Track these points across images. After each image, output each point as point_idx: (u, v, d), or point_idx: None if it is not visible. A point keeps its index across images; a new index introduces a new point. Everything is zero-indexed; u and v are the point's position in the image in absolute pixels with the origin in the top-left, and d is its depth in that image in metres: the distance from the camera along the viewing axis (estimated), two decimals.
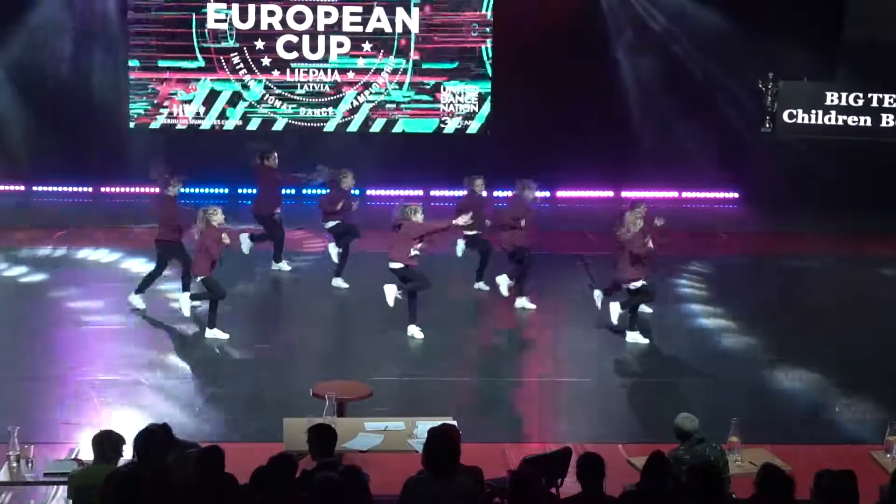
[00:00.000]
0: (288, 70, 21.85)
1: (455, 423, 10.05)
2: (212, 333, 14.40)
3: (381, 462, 9.89)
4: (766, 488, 7.90)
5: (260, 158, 17.20)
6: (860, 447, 10.94)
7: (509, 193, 16.47)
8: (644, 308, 15.23)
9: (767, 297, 16.99)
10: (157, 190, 16.69)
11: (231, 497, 7.90)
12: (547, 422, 12.62)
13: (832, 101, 22.05)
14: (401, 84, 22.03)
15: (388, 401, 12.26)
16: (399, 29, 21.85)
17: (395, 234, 14.51)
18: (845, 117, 22.06)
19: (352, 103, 22.03)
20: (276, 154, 17.27)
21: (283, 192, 17.71)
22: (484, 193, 16.39)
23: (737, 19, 21.73)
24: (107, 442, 8.55)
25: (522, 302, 15.92)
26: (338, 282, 16.60)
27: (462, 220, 14.78)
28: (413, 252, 14.36)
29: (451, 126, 22.25)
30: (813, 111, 22.12)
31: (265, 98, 21.91)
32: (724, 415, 10.52)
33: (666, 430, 9.68)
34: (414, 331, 14.62)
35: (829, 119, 22.10)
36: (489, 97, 22.21)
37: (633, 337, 14.68)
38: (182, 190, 15.94)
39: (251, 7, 21.55)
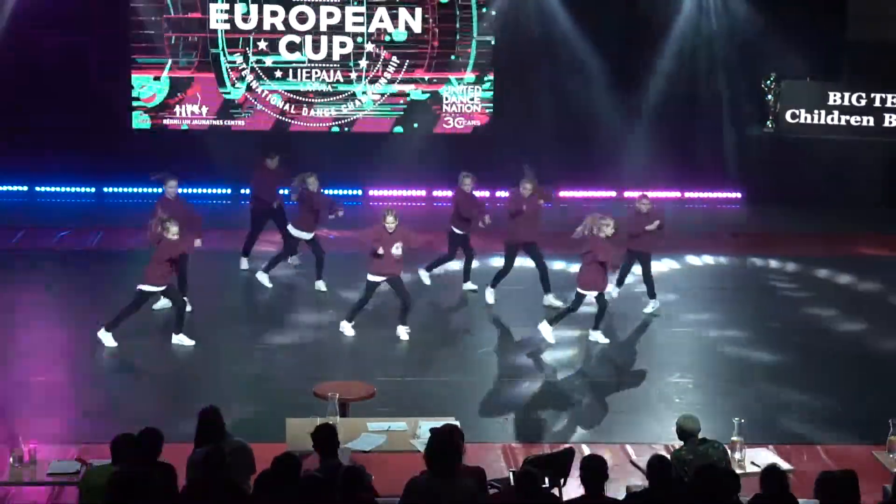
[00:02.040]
0: (290, 70, 21.85)
1: (457, 423, 10.08)
2: (177, 339, 14.45)
3: (384, 462, 9.90)
4: (769, 489, 7.91)
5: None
6: (862, 447, 10.94)
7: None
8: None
9: (770, 297, 16.99)
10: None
11: (234, 497, 7.90)
12: (550, 422, 12.61)
13: (835, 100, 22.03)
14: (402, 84, 22.02)
15: (391, 401, 12.26)
16: (401, 28, 21.85)
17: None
18: (848, 117, 22.04)
19: (354, 103, 22.04)
20: (276, 157, 17.29)
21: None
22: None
23: (739, 18, 21.73)
24: (122, 443, 8.55)
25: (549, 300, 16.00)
26: (319, 284, 16.62)
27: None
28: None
29: (454, 125, 22.25)
30: (816, 111, 22.09)
31: (267, 98, 21.91)
32: (726, 414, 10.52)
33: (668, 430, 9.69)
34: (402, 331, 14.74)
35: (832, 119, 22.08)
36: (492, 96, 22.20)
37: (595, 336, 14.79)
38: (181, 191, 16.02)
39: (254, 8, 21.56)
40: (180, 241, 14.08)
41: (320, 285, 16.54)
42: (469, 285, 16.61)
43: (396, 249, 14.23)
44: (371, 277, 14.50)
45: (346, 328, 14.71)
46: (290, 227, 16.42)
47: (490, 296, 16.07)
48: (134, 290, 14.13)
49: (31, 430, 11.09)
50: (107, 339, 14.14)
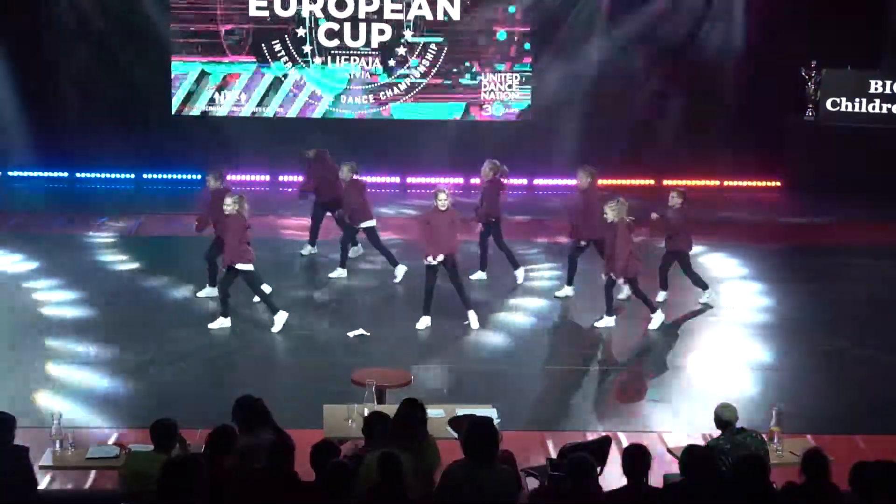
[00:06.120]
0: (329, 57, 21.89)
1: (494, 410, 10.08)
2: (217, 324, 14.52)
3: None
4: (812, 473, 7.85)
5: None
6: None
7: (548, 181, 16.35)
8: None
9: (809, 287, 16.87)
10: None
11: (292, 493, 7.84)
12: (586, 409, 12.58)
13: (876, 89, 21.89)
14: (440, 70, 22.02)
15: (428, 388, 12.27)
16: (440, 16, 21.83)
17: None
18: (889, 105, 21.90)
19: (392, 90, 22.06)
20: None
21: None
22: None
23: (780, 7, 21.60)
24: (162, 430, 8.58)
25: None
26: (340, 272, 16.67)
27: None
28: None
29: (491, 112, 22.23)
30: (856, 99, 21.97)
31: (306, 85, 21.95)
32: (765, 404, 10.46)
33: (703, 419, 9.64)
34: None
35: (873, 107, 21.94)
36: (529, 83, 22.17)
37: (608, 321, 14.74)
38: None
39: None
40: (242, 211, 14.16)
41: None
42: (480, 274, 16.58)
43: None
44: (428, 261, 14.52)
45: (424, 322, 14.65)
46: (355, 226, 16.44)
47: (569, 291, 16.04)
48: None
49: (72, 415, 11.20)
50: (280, 320, 14.36)
